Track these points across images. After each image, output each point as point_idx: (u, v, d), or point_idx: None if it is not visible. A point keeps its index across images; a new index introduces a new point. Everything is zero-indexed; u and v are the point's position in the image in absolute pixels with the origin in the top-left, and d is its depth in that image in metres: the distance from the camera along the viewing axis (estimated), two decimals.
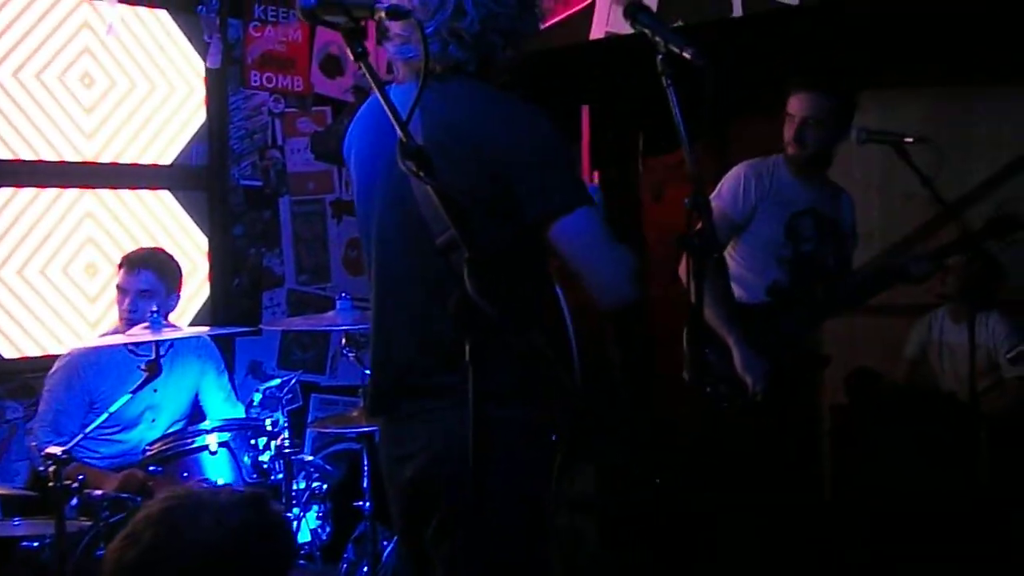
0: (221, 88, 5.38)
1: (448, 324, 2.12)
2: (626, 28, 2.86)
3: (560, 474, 2.51)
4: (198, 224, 5.35)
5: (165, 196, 5.24)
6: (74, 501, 3.64)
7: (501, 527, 2.46)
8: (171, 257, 4.55)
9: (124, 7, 4.98)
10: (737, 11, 4.57)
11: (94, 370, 4.32)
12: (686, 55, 2.53)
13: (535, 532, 2.52)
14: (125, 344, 4.16)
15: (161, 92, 5.22)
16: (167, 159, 5.24)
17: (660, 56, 2.57)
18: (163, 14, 5.22)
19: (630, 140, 6.27)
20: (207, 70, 5.33)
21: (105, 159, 5.03)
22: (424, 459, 2.52)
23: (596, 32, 4.95)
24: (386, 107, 2.13)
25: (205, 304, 5.35)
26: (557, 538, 2.57)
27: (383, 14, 2.21)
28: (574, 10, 5.04)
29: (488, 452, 2.15)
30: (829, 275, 4.31)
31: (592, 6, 4.97)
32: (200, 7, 5.26)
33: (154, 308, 4.00)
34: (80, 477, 3.64)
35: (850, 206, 4.47)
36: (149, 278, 4.33)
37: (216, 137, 5.38)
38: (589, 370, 2.48)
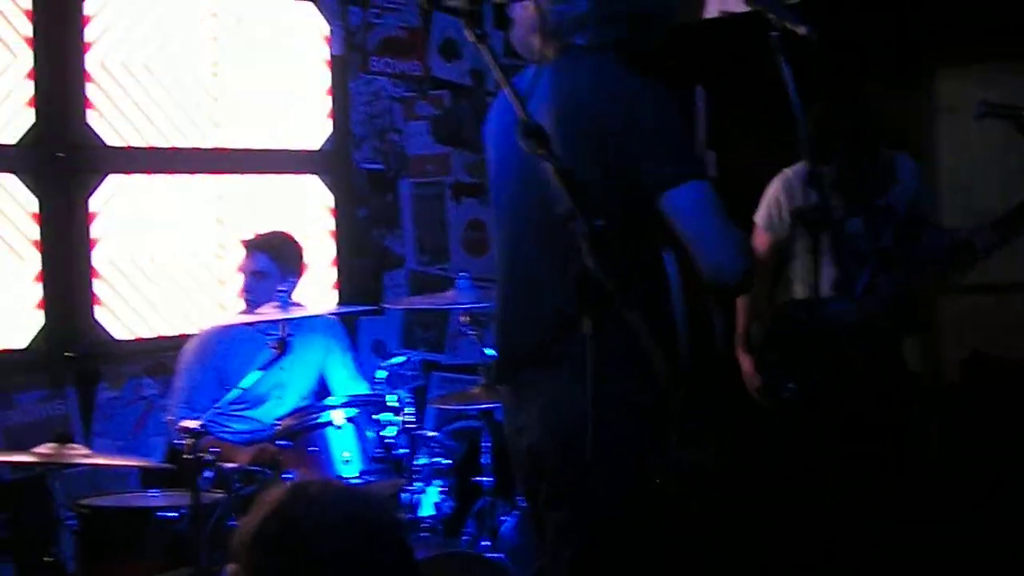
0: (343, 74, 5.50)
1: (568, 296, 2.17)
2: (740, 7, 2.87)
3: (670, 448, 2.53)
4: (322, 206, 5.48)
5: (298, 179, 5.40)
6: (208, 473, 3.75)
7: (604, 500, 2.51)
8: (289, 239, 4.68)
9: None
10: None
11: (224, 348, 4.48)
12: (800, 32, 2.54)
13: (636, 506, 2.56)
14: (253, 323, 4.29)
15: (286, 79, 5.36)
16: (296, 144, 5.39)
17: (774, 34, 2.58)
18: (285, 2, 5.34)
19: (745, 120, 6.22)
20: (330, 57, 5.45)
21: (236, 145, 5.19)
22: (538, 429, 2.59)
23: (710, 11, 4.94)
24: (505, 88, 2.18)
25: (330, 284, 5.49)
26: (661, 512, 2.60)
27: None
28: None
29: (596, 425, 2.19)
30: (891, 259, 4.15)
31: None
32: None
33: (282, 288, 4.12)
34: (214, 450, 3.77)
35: (911, 173, 4.28)
36: (263, 260, 4.49)
37: (339, 122, 5.50)
38: (694, 347, 2.51)
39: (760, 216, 4.26)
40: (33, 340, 4.59)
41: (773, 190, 4.24)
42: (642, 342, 2.06)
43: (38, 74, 4.58)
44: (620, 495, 2.54)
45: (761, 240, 4.24)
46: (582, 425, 2.17)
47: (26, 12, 4.55)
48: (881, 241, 4.10)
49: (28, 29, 4.56)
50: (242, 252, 4.57)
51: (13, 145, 4.54)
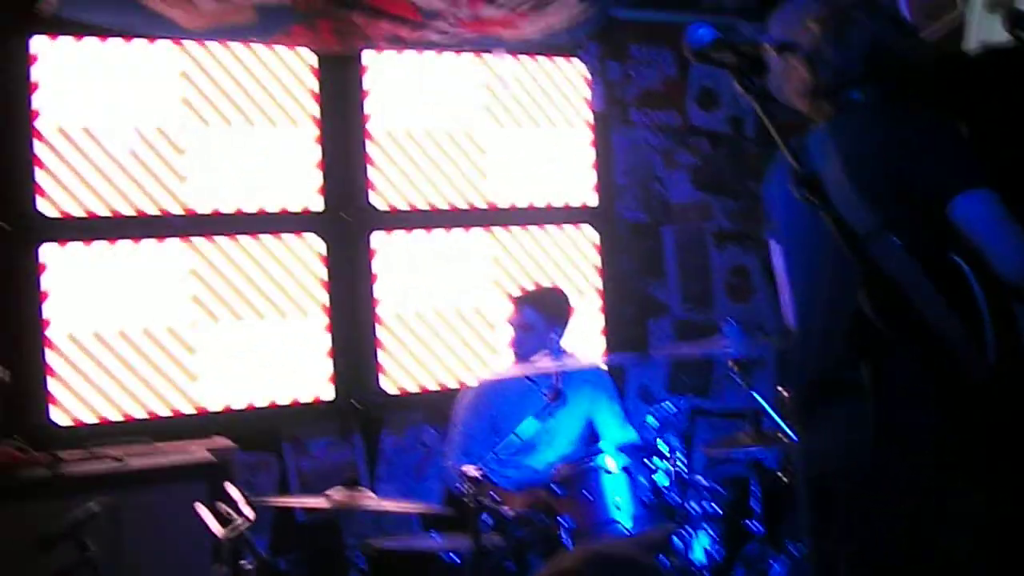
0: (605, 127, 5.64)
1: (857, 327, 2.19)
2: (1002, 36, 2.83)
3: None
4: (588, 257, 5.62)
5: (564, 231, 5.58)
6: (486, 518, 3.88)
7: (889, 531, 2.48)
8: (555, 291, 4.83)
9: (512, 58, 5.33)
10: None
11: (498, 398, 4.64)
12: None
13: (920, 540, 2.51)
14: (525, 373, 4.42)
15: (548, 134, 5.54)
16: (562, 198, 5.57)
17: None
18: (547, 61, 5.55)
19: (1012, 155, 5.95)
20: (592, 112, 5.60)
21: (506, 201, 5.43)
22: (828, 457, 2.59)
23: (970, 44, 4.77)
24: (777, 139, 2.22)
25: (596, 333, 5.60)
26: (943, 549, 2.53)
27: (772, 50, 2.31)
28: (942, 22, 4.89)
29: (886, 455, 2.18)
30: None
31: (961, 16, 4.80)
32: (582, 52, 5.55)
33: (551, 337, 4.22)
34: (492, 496, 3.89)
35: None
36: (530, 314, 4.64)
37: (602, 174, 5.63)
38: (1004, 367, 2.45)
39: None
40: (325, 392, 4.92)
41: None
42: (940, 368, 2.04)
43: (325, 145, 4.97)
44: (902, 527, 2.51)
45: None
46: (875, 452, 2.17)
47: (313, 94, 4.97)
48: None
49: (316, 109, 4.97)
50: (511, 306, 4.74)
51: (305, 209, 4.92)
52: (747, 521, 4.37)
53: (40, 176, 4.46)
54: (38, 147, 4.47)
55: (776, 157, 2.91)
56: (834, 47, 2.63)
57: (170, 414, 4.64)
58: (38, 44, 4.47)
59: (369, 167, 5.08)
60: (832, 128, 2.64)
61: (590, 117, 5.64)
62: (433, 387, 5.18)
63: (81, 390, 4.50)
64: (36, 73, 4.46)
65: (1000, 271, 2.48)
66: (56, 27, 4.41)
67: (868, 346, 2.14)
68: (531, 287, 5.02)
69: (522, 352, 4.58)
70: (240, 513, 3.54)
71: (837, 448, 2.59)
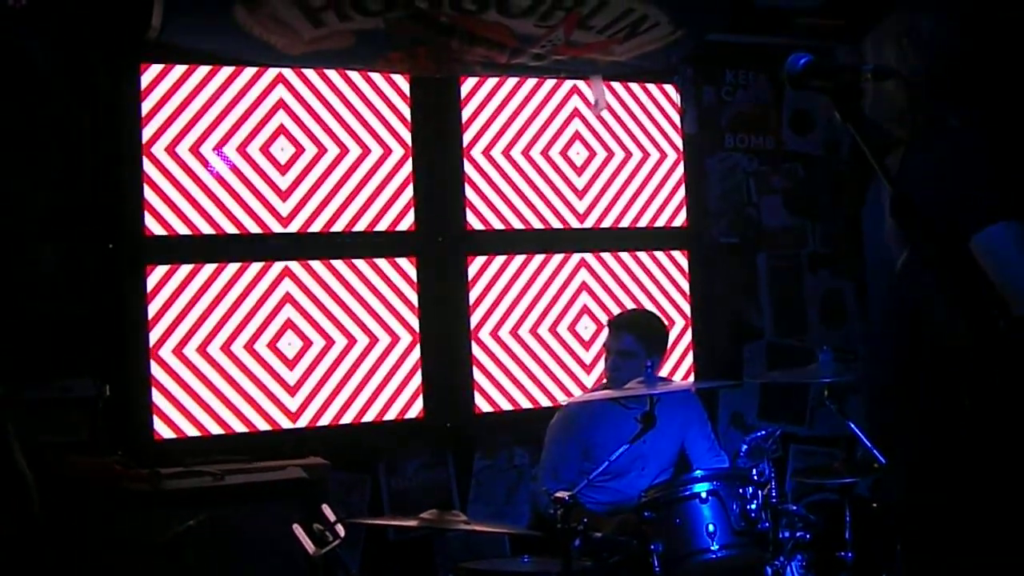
0: (698, 151, 5.63)
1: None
2: None
3: None
4: (678, 281, 5.61)
5: (659, 256, 5.60)
6: (576, 542, 3.88)
7: None
8: (655, 318, 4.81)
9: (607, 83, 5.36)
10: None
11: (589, 421, 4.63)
12: None
13: None
14: (617, 397, 4.42)
15: (641, 159, 5.56)
16: (657, 222, 5.59)
17: None
18: (640, 86, 5.57)
19: None
20: (685, 135, 5.60)
21: (600, 224, 5.47)
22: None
23: None
24: (873, 161, 2.21)
25: (690, 358, 5.58)
26: None
27: (869, 76, 2.30)
28: None
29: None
30: None
31: None
32: (676, 77, 5.55)
33: (647, 365, 4.22)
34: (583, 520, 3.89)
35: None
36: (630, 341, 4.60)
37: (695, 198, 5.62)
38: None
39: None
40: (416, 412, 4.99)
41: None
42: None
43: (419, 169, 5.06)
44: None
45: None
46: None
47: (406, 122, 5.09)
48: None
49: (408, 136, 5.09)
50: (608, 330, 4.73)
51: (400, 232, 5.01)
52: (840, 552, 4.32)
53: (149, 196, 4.61)
54: (148, 168, 4.62)
55: (874, 180, 2.89)
56: (920, 71, 2.61)
57: (268, 428, 4.74)
58: (150, 72, 4.64)
59: (465, 190, 5.15)
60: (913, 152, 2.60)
61: (683, 142, 5.64)
62: (526, 407, 5.22)
63: (185, 404, 4.63)
64: (147, 99, 4.63)
65: (1013, 305, 2.42)
66: (165, 55, 4.55)
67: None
68: (628, 310, 5.02)
69: (619, 377, 4.54)
70: (333, 532, 3.59)
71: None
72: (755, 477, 4.05)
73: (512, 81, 5.28)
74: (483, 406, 5.14)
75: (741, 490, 3.99)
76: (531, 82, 5.32)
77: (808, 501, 5.19)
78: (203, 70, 4.72)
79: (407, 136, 5.07)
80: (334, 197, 4.93)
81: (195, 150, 4.69)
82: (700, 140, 5.65)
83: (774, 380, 5.49)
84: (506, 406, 5.20)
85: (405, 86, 5.08)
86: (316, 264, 4.88)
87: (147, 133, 4.62)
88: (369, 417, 4.92)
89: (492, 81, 5.24)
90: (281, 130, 4.84)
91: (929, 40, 2.63)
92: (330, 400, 4.87)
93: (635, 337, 4.61)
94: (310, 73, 4.90)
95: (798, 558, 4.09)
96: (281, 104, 4.85)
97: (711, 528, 3.95)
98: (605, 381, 4.72)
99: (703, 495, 3.98)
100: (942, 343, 2.36)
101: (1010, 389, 2.32)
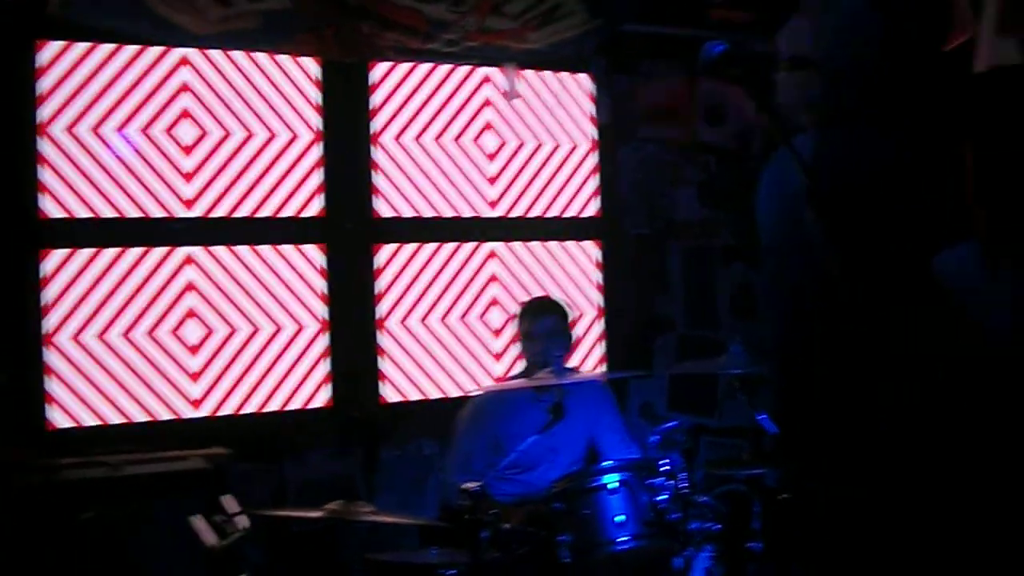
0: (612, 142, 5.61)
1: None
2: (1013, 60, 2.81)
3: None
4: (590, 272, 5.59)
5: (569, 246, 5.56)
6: (484, 534, 3.84)
7: None
8: (565, 306, 4.79)
9: (520, 71, 5.31)
10: None
11: (499, 413, 4.59)
12: None
13: None
14: (527, 387, 4.39)
15: (554, 149, 5.52)
16: (567, 212, 5.55)
17: None
18: (554, 75, 5.52)
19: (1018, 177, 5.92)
20: (599, 125, 5.58)
21: (511, 214, 5.42)
22: None
23: (979, 66, 4.76)
24: (792, 156, 2.20)
25: (598, 349, 5.56)
26: None
27: (786, 64, 2.28)
28: (954, 45, 4.87)
29: None
30: None
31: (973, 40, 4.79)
32: (591, 66, 5.53)
33: (557, 354, 4.19)
34: (491, 511, 3.85)
35: None
36: (554, 320, 4.58)
37: (608, 188, 5.60)
38: None
39: None
40: (322, 401, 4.89)
41: None
42: None
43: (328, 155, 4.97)
44: None
45: None
46: None
47: (316, 107, 4.98)
48: None
49: (318, 120, 4.98)
50: (528, 316, 4.69)
51: (307, 218, 4.91)
52: (748, 540, 4.34)
53: (47, 178, 4.46)
54: (46, 149, 4.47)
55: (767, 169, 2.89)
56: (838, 60, 2.60)
57: (171, 418, 4.62)
58: (50, 49, 4.47)
59: (373, 177, 5.06)
60: (824, 139, 2.59)
61: (596, 132, 5.61)
62: (435, 397, 5.16)
63: (82, 392, 4.48)
64: (45, 77, 4.47)
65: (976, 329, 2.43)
66: (66, 32, 4.40)
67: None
68: (539, 296, 4.99)
69: (554, 357, 4.50)
70: (234, 524, 3.50)
71: None
72: (665, 468, 4.06)
73: (424, 67, 5.20)
74: (391, 396, 5.07)
75: (651, 481, 3.99)
76: (443, 68, 5.25)
77: (718, 492, 5.21)
78: (105, 48, 4.57)
79: (317, 121, 4.98)
80: (239, 181, 4.81)
81: (96, 131, 4.55)
82: (614, 130, 5.63)
83: (684, 371, 5.50)
84: (415, 396, 5.13)
85: (316, 70, 4.97)
86: (220, 250, 4.77)
87: (46, 112, 4.46)
88: (274, 406, 4.83)
89: (404, 67, 5.15)
90: (186, 112, 4.72)
91: (846, 28, 2.63)
92: (233, 388, 4.76)
93: (559, 317, 4.60)
94: (217, 54, 4.77)
95: (707, 549, 4.10)
96: (186, 86, 4.72)
97: (620, 519, 3.94)
98: (526, 370, 4.67)
99: (612, 486, 3.97)
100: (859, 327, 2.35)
101: (939, 384, 2.33)
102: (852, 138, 2.59)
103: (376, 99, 5.10)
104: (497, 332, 5.31)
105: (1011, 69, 4.19)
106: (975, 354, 2.46)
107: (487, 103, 5.36)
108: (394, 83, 5.16)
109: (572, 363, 4.77)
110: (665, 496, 4.00)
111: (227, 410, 4.74)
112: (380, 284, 5.06)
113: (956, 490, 2.45)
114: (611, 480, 3.98)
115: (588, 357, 5.51)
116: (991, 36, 4.71)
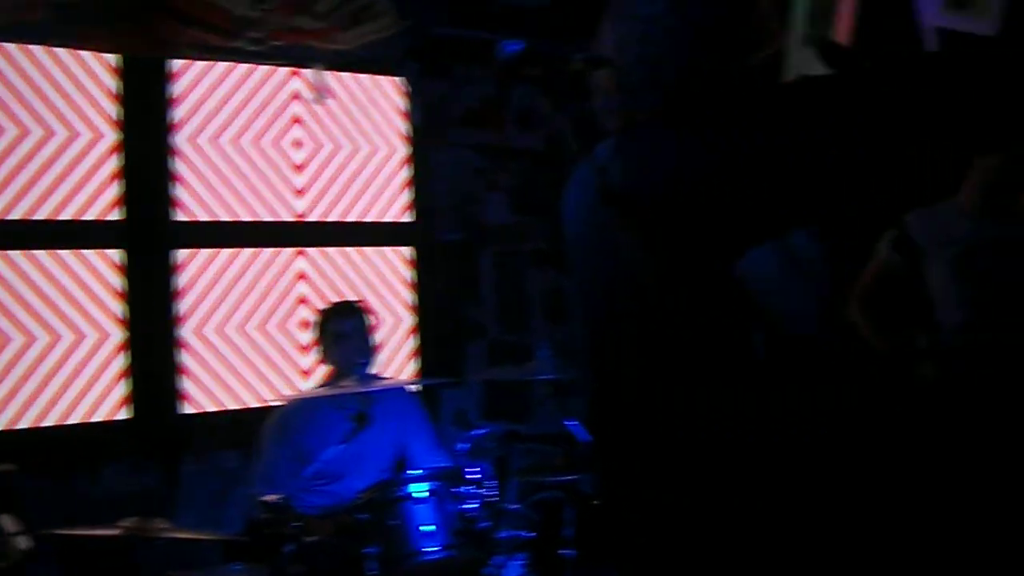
0: (424, 146, 5.56)
1: None
2: (820, 69, 2.86)
3: None
4: (402, 278, 5.51)
5: (379, 251, 5.46)
6: (289, 547, 3.74)
7: None
8: (367, 309, 4.71)
9: (330, 73, 5.21)
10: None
11: (304, 422, 4.47)
12: None
13: None
14: (333, 397, 4.29)
15: (365, 153, 5.43)
16: (377, 216, 5.45)
17: None
18: (366, 78, 5.43)
19: None
20: (410, 129, 5.51)
21: (320, 219, 5.28)
22: None
23: (787, 76, 4.91)
24: (584, 158, 2.16)
25: (410, 356, 5.50)
26: None
27: (581, 65, 2.25)
28: (761, 56, 5.01)
29: None
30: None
31: (781, 51, 4.94)
32: (404, 70, 5.46)
33: (361, 360, 4.11)
34: (295, 524, 3.76)
35: None
36: (356, 322, 4.49)
37: (421, 193, 5.55)
38: None
39: None
40: (119, 413, 4.67)
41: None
42: None
43: (126, 153, 4.73)
44: None
45: None
46: None
47: (115, 99, 4.74)
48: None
49: (115, 111, 4.73)
50: (331, 319, 4.57)
51: (98, 221, 4.67)
52: (560, 547, 4.33)
53: None
54: None
55: (575, 172, 2.86)
56: (635, 63, 2.58)
57: None
58: None
59: (173, 179, 4.87)
60: (621, 144, 2.57)
61: (408, 135, 5.55)
62: (235, 408, 4.98)
63: None
64: None
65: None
66: None
67: None
68: (337, 300, 4.86)
69: (358, 363, 4.40)
70: (13, 544, 3.32)
71: None
72: (473, 476, 4.04)
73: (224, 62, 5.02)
74: (190, 407, 4.88)
75: (459, 490, 3.96)
76: (246, 65, 5.07)
77: (533, 499, 5.20)
78: None
79: (118, 117, 4.73)
80: (37, 182, 4.55)
81: None
82: (426, 135, 5.58)
83: (493, 377, 5.48)
84: (214, 407, 4.94)
85: (119, 64, 4.73)
86: (15, 254, 4.50)
87: None
88: (64, 419, 4.58)
89: (207, 64, 4.97)
90: None
91: (642, 32, 2.61)
92: (24, 399, 4.50)
93: (357, 320, 4.51)
94: (11, 48, 4.51)
95: (518, 557, 4.09)
96: None
97: (429, 529, 3.90)
98: (332, 377, 4.57)
99: (420, 495, 3.92)
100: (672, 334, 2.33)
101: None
102: (652, 143, 2.57)
103: (177, 96, 4.89)
104: (302, 342, 5.18)
105: (818, 76, 4.32)
106: (778, 347, 2.48)
107: (294, 101, 5.21)
108: (192, 78, 4.95)
109: (382, 371, 4.68)
110: (474, 505, 3.98)
111: (21, 424, 4.48)
112: (180, 291, 4.87)
113: (775, 491, 2.46)
114: (419, 489, 3.94)
115: (400, 364, 5.43)
116: (799, 47, 4.86)
